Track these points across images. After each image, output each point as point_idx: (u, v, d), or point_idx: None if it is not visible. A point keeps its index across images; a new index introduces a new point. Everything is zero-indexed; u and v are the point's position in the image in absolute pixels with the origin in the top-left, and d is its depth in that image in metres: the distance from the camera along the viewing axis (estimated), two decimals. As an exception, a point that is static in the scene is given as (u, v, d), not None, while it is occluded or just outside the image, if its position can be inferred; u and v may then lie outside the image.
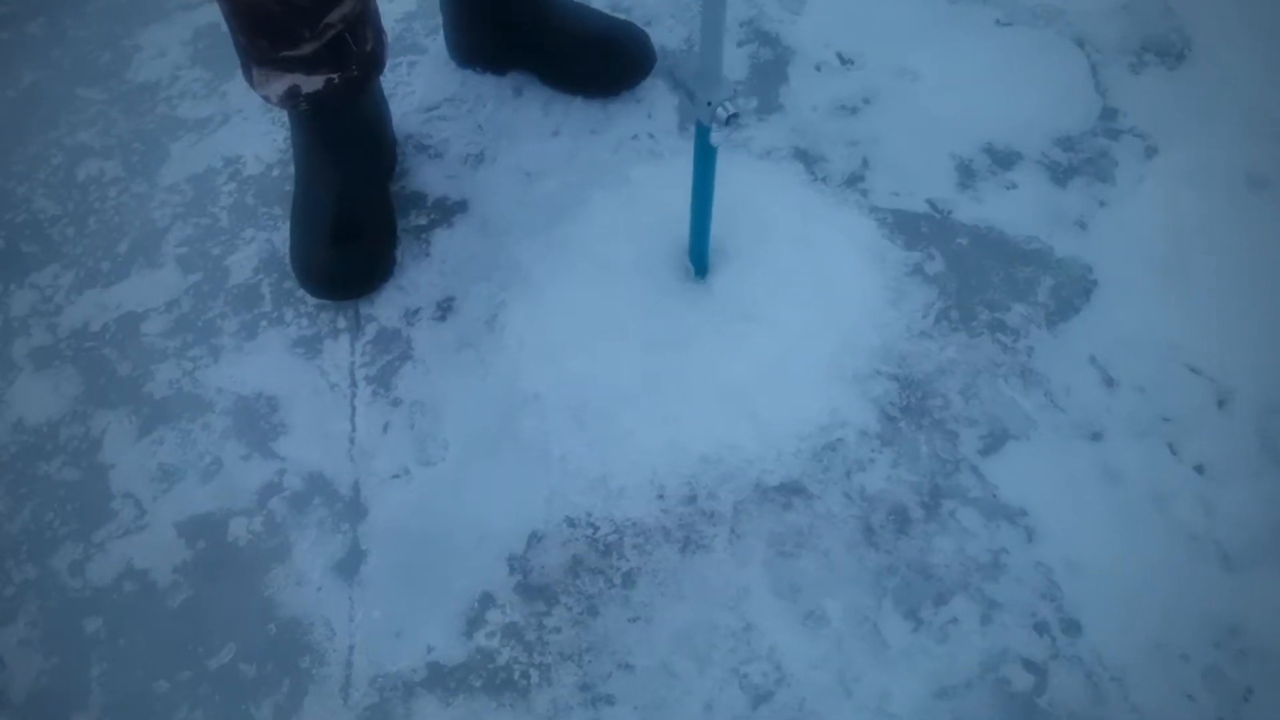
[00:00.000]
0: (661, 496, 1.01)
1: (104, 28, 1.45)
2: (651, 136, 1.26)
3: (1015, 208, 1.18)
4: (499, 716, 0.91)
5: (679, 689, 0.91)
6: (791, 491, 1.01)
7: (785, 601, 0.95)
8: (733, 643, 0.93)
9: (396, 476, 1.04)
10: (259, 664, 0.95)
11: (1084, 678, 0.90)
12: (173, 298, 1.18)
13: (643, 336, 1.09)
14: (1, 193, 1.29)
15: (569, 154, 1.25)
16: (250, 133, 1.32)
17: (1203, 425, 1.02)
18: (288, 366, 1.12)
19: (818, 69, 1.31)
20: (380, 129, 1.20)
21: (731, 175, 1.19)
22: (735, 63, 1.32)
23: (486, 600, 0.97)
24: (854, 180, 1.21)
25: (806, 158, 1.23)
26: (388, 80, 1.28)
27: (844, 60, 1.32)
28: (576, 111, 1.28)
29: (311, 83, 1.05)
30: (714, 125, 0.88)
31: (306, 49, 1.02)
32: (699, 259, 1.11)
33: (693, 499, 1.01)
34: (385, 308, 1.15)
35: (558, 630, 0.95)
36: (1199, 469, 1.00)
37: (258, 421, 1.09)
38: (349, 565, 1.00)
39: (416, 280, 1.17)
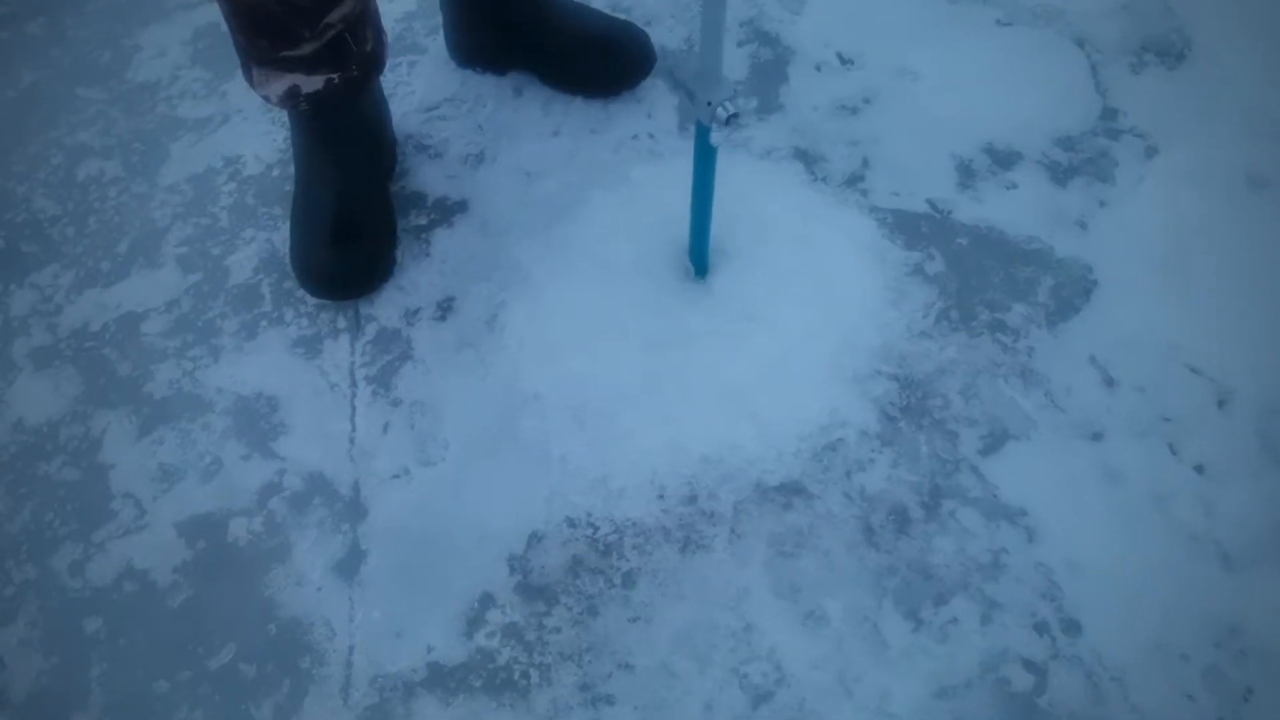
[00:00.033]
0: (662, 496, 1.01)
1: (104, 27, 1.45)
2: (651, 136, 1.26)
3: (1015, 208, 1.18)
4: (499, 717, 0.91)
5: (679, 689, 0.91)
6: (792, 491, 1.01)
7: (785, 601, 0.95)
8: (733, 643, 0.93)
9: (396, 476, 1.04)
10: (259, 664, 0.95)
11: (1084, 678, 0.90)
12: (173, 298, 1.18)
13: (643, 336, 1.09)
14: (1, 193, 1.29)
15: (569, 154, 1.25)
16: (250, 133, 1.32)
17: (1203, 425, 1.02)
18: (288, 366, 1.12)
19: (818, 69, 1.31)
20: (380, 129, 1.20)
21: (731, 175, 1.19)
22: (735, 63, 1.32)
23: (486, 600, 0.97)
24: (854, 180, 1.21)
25: (806, 158, 1.23)
26: (388, 80, 1.28)
27: (844, 60, 1.32)
28: (576, 111, 1.28)
29: (311, 83, 1.05)
30: (714, 125, 0.88)
31: (306, 49, 1.02)
32: (699, 259, 1.11)
33: (693, 499, 1.01)
34: (385, 308, 1.15)
35: (558, 630, 0.95)
36: (1199, 469, 1.00)
37: (258, 421, 1.09)
38: (349, 565, 1.00)
39: (416, 280, 1.17)
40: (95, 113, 1.36)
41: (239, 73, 1.10)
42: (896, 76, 1.29)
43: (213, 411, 1.10)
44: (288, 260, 1.17)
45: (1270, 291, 1.10)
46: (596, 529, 1.00)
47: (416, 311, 1.15)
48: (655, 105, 1.28)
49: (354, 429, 1.08)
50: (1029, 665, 0.91)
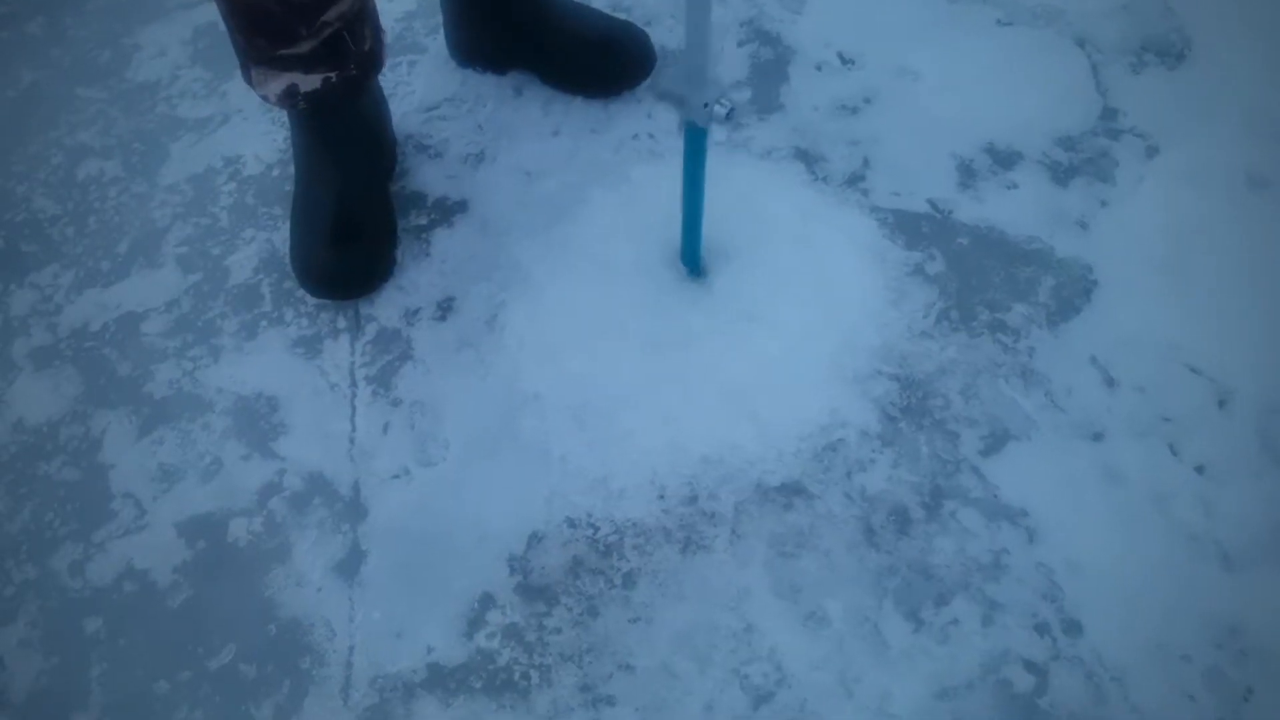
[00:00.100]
0: (662, 497, 1.01)
1: (104, 27, 1.45)
2: (652, 136, 1.26)
3: (1016, 208, 1.18)
4: (499, 717, 0.91)
5: (680, 690, 0.91)
6: (792, 492, 1.00)
7: (786, 602, 0.95)
8: (733, 643, 0.93)
9: (396, 476, 1.04)
10: (259, 664, 0.95)
11: (1085, 678, 0.90)
12: (173, 298, 1.18)
13: (643, 336, 1.09)
14: (1, 193, 1.29)
15: (569, 154, 1.25)
16: (250, 132, 1.32)
17: (1203, 425, 1.02)
18: (288, 366, 1.12)
19: (818, 69, 1.31)
20: (380, 128, 1.20)
21: (731, 175, 1.19)
22: (735, 62, 1.31)
23: (487, 601, 0.97)
24: (854, 180, 1.21)
25: (807, 157, 1.23)
26: (388, 80, 1.28)
27: (845, 60, 1.32)
28: (577, 111, 1.28)
29: (309, 81, 1.05)
30: (711, 125, 0.89)
31: (304, 47, 1.02)
32: (691, 260, 1.11)
33: (693, 499, 1.01)
34: (385, 308, 1.15)
35: (558, 631, 0.95)
36: (1199, 469, 1.00)
37: (258, 421, 1.09)
38: (349, 566, 1.00)
39: (416, 280, 1.17)
40: (95, 112, 1.36)
41: (239, 72, 1.10)
42: (897, 76, 1.29)
43: (213, 411, 1.10)
44: (288, 260, 1.17)
45: (1271, 291, 1.10)
46: (597, 529, 1.00)
47: (416, 311, 1.15)
48: (655, 105, 1.28)
49: (354, 429, 1.08)
50: (1030, 666, 0.91)
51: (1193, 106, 1.24)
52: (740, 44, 1.34)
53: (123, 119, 1.35)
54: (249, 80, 1.08)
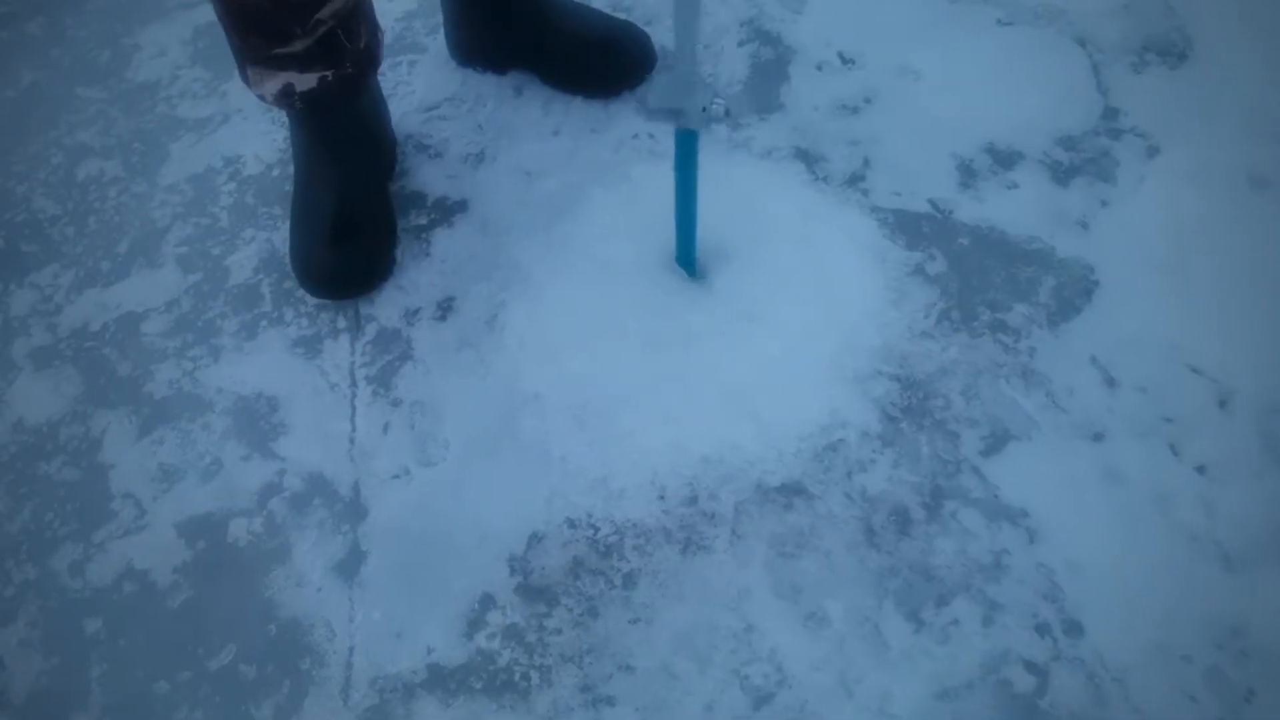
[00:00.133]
0: (662, 497, 1.01)
1: (104, 27, 1.45)
2: (651, 136, 1.25)
3: (1017, 207, 1.17)
4: (499, 718, 0.91)
5: (680, 690, 0.91)
6: (792, 492, 1.00)
7: (786, 602, 0.95)
8: (734, 644, 0.93)
9: (396, 477, 1.04)
10: (259, 665, 0.95)
11: (1085, 679, 0.90)
12: (173, 298, 1.18)
13: (643, 336, 1.09)
14: (1, 193, 1.29)
15: (569, 153, 1.25)
16: (250, 132, 1.32)
17: (1204, 425, 1.02)
18: (288, 366, 1.12)
19: (819, 68, 1.31)
20: (379, 128, 1.20)
21: (731, 175, 1.19)
22: (735, 62, 1.31)
23: (487, 601, 0.97)
24: (855, 180, 1.21)
25: (807, 157, 1.23)
26: (387, 80, 1.28)
27: (845, 60, 1.32)
28: (577, 111, 1.28)
29: (305, 80, 1.05)
30: (711, 124, 0.89)
31: (298, 46, 1.02)
32: (687, 262, 1.11)
33: (694, 500, 1.01)
34: (385, 308, 1.15)
35: (558, 631, 0.95)
36: (1200, 469, 1.00)
37: (258, 421, 1.09)
38: (349, 566, 1.00)
39: (416, 280, 1.17)
40: (95, 112, 1.36)
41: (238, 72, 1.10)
42: (897, 76, 1.29)
43: (213, 411, 1.10)
44: (288, 260, 1.17)
45: (1271, 291, 1.10)
46: (597, 530, 1.00)
47: (416, 311, 1.15)
48: (655, 105, 1.28)
49: (354, 429, 1.07)
50: (1030, 666, 0.91)
51: (1194, 106, 1.24)
52: (740, 44, 1.34)
53: (123, 119, 1.35)
54: (246, 80, 1.08)
